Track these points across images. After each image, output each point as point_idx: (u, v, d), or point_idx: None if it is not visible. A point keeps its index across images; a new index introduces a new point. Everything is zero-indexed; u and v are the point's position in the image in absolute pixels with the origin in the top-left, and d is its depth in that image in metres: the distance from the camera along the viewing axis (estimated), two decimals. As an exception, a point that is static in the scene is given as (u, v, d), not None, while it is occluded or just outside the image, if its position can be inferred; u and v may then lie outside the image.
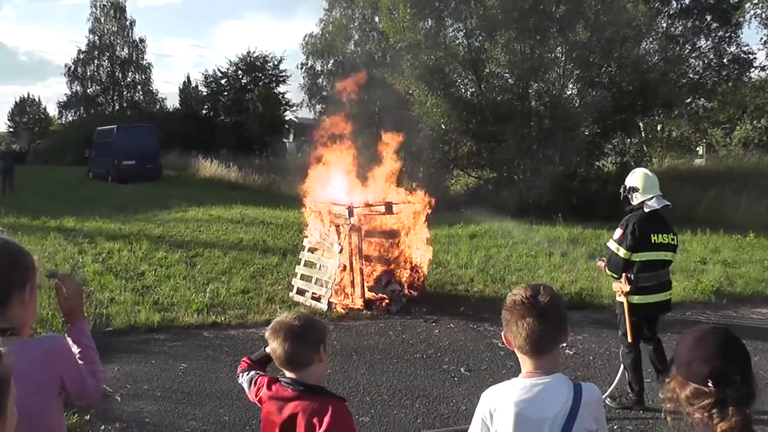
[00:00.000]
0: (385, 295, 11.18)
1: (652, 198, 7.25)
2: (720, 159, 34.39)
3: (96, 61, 65.47)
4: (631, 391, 7.31)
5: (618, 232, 7.29)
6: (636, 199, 7.37)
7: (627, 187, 7.48)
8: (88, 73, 65.63)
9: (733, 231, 18.25)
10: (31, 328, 2.83)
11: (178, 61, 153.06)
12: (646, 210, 7.22)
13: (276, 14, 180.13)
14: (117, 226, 19.01)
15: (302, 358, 3.18)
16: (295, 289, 11.61)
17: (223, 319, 10.28)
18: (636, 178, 7.44)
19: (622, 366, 7.59)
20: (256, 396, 3.38)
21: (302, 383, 3.17)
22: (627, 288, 7.15)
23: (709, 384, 2.27)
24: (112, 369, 8.09)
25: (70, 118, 65.92)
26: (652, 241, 7.20)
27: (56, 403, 2.71)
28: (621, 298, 7.29)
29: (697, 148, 37.94)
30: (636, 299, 7.20)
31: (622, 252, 7.20)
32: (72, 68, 65.28)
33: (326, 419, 3.03)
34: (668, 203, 7.34)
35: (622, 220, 7.38)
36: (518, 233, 17.96)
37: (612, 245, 7.35)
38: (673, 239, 7.36)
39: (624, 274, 7.20)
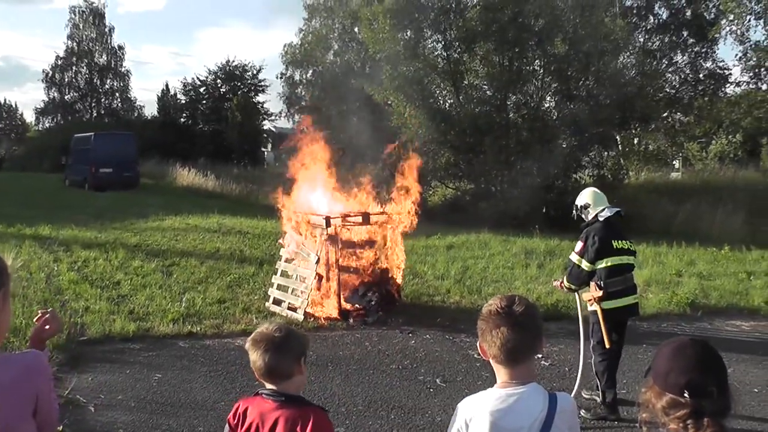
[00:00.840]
0: (361, 306, 11.18)
1: (603, 209, 7.61)
2: (696, 173, 34.74)
3: (74, 68, 65.14)
4: (603, 400, 7.38)
5: (579, 245, 7.59)
6: (590, 215, 7.75)
7: (578, 207, 7.93)
8: (66, 80, 65.26)
9: (708, 244, 18.40)
10: (4, 337, 2.78)
11: (157, 68, 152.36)
12: (601, 219, 7.54)
13: (256, 23, 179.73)
14: (93, 234, 18.88)
15: (283, 369, 3.17)
16: (271, 299, 11.59)
17: (198, 329, 10.22)
18: (585, 196, 7.91)
19: (580, 373, 7.72)
20: (233, 419, 3.33)
21: (283, 394, 3.17)
22: (599, 294, 7.32)
23: (686, 395, 2.29)
24: (86, 379, 8.06)
25: (48, 125, 65.49)
26: (614, 247, 7.47)
27: (32, 420, 2.66)
28: (594, 307, 7.42)
29: (674, 162, 38.25)
30: (609, 305, 7.37)
31: (584, 264, 7.47)
32: (50, 74, 64.92)
33: (309, 428, 3.05)
34: (619, 209, 7.73)
35: (582, 234, 7.66)
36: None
37: (574, 257, 7.63)
38: (630, 245, 7.67)
39: (593, 283, 7.42)
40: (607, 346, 7.32)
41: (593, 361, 7.62)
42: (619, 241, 7.52)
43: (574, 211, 8.02)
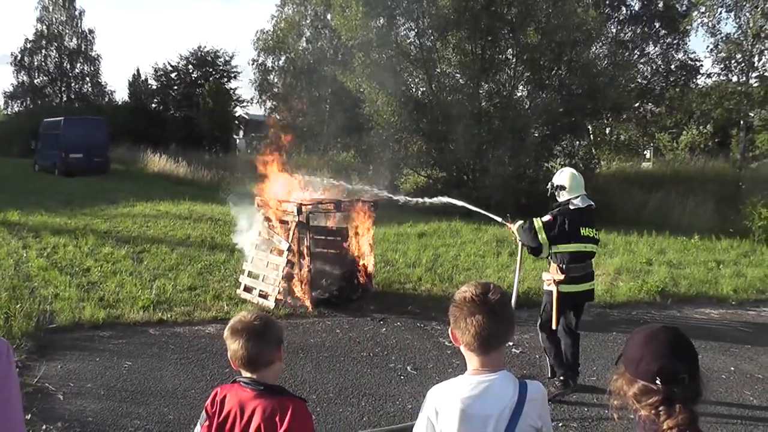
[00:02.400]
0: (332, 293, 11.18)
1: (577, 197, 7.71)
2: (667, 163, 34.97)
3: (44, 51, 64.16)
4: (553, 375, 7.55)
5: (548, 217, 7.73)
6: (563, 197, 7.82)
7: (555, 185, 7.95)
8: (36, 63, 64.30)
9: (678, 233, 18.59)
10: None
11: (128, 53, 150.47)
12: (572, 207, 7.66)
13: (229, 8, 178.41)
14: (63, 220, 18.73)
15: (265, 357, 3.18)
16: (242, 287, 11.55)
17: (169, 316, 10.18)
18: (564, 177, 7.90)
19: (516, 284, 8.55)
20: (211, 407, 3.29)
21: (262, 383, 3.17)
22: (561, 277, 7.53)
23: (657, 381, 2.31)
24: (55, 367, 7.99)
25: (17, 109, 64.61)
26: (581, 234, 7.62)
27: None
28: (551, 287, 7.65)
29: (645, 152, 38.50)
30: (566, 288, 7.58)
31: (541, 236, 7.65)
32: (18, 57, 63.98)
33: (287, 419, 3.04)
34: (592, 203, 7.82)
35: (554, 210, 7.80)
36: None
37: (537, 223, 7.73)
38: (596, 233, 7.84)
39: (556, 265, 7.62)
40: (554, 326, 7.64)
41: (541, 338, 7.86)
42: (587, 229, 7.67)
43: (549, 188, 8.07)
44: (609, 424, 6.87)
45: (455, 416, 2.82)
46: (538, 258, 8.28)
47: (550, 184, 8.07)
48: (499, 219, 9.24)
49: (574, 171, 8.03)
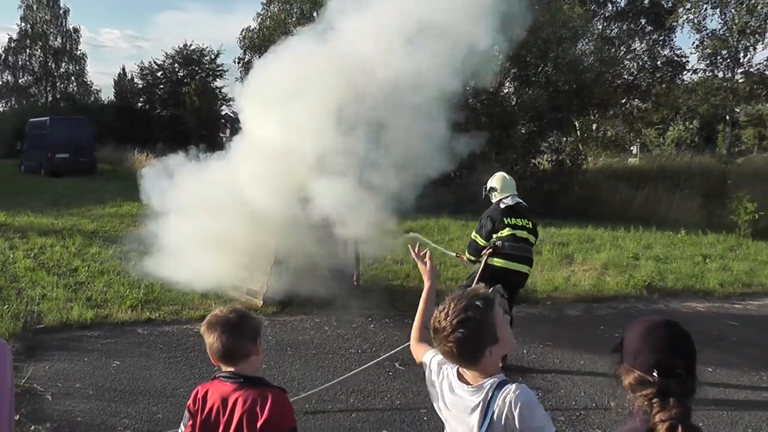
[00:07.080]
0: (322, 290, 11.15)
1: (507, 197, 8.45)
2: (653, 158, 35.14)
3: (28, 51, 63.78)
4: None
5: (479, 226, 8.48)
6: (495, 198, 8.57)
7: (488, 188, 8.76)
8: (20, 63, 63.97)
9: (665, 228, 18.70)
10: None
11: (114, 52, 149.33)
12: (502, 206, 8.38)
13: (215, 7, 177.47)
14: (50, 220, 18.64)
15: (241, 350, 3.22)
16: (230, 285, 11.53)
17: (157, 315, 10.15)
18: (496, 180, 8.72)
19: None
20: (194, 405, 3.33)
21: (241, 375, 3.21)
22: (490, 250, 8.17)
23: (654, 374, 2.34)
24: (43, 367, 7.97)
25: (1, 109, 64.27)
26: (505, 222, 8.26)
27: None
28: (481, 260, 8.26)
29: (632, 148, 38.66)
30: (496, 261, 8.17)
31: (479, 240, 8.35)
32: (3, 57, 63.67)
33: (267, 407, 3.08)
34: (520, 201, 8.55)
35: (481, 216, 8.59)
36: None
37: (472, 235, 8.55)
38: (527, 222, 8.43)
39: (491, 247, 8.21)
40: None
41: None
42: (513, 219, 8.32)
43: (483, 190, 8.91)
44: (594, 416, 6.91)
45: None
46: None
47: (483, 187, 8.88)
48: (453, 254, 10.44)
49: (505, 174, 8.83)
